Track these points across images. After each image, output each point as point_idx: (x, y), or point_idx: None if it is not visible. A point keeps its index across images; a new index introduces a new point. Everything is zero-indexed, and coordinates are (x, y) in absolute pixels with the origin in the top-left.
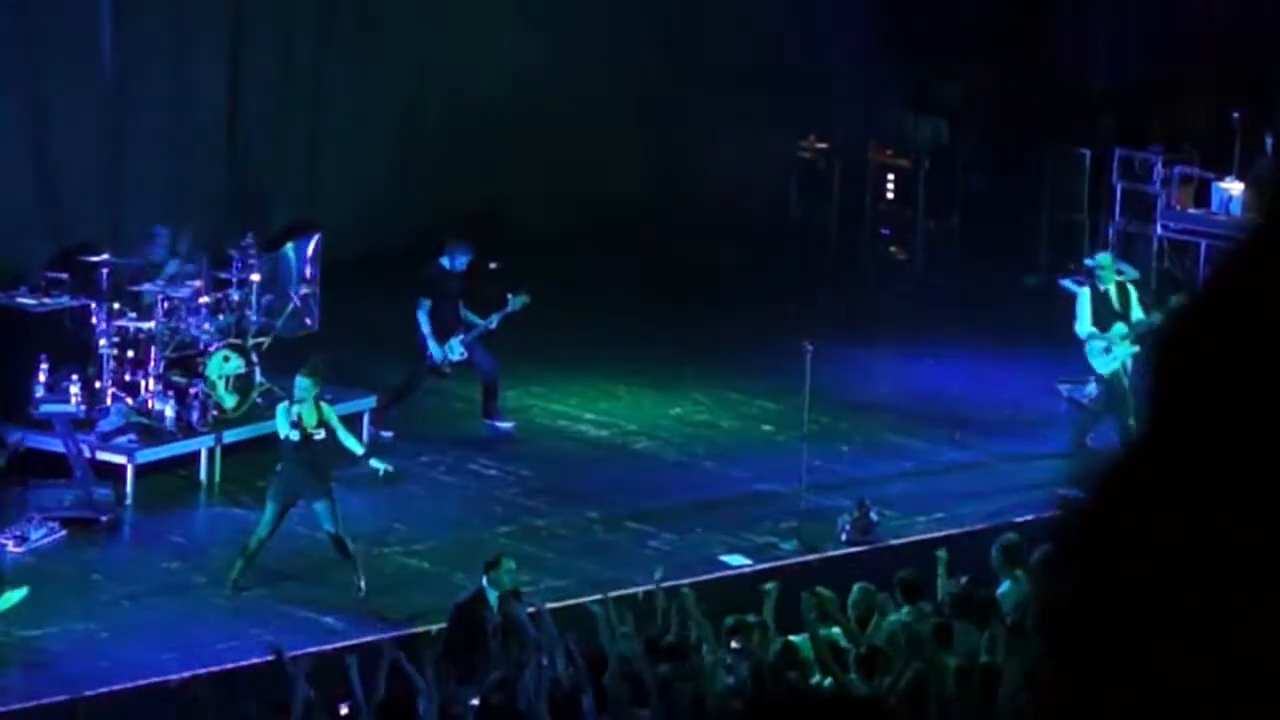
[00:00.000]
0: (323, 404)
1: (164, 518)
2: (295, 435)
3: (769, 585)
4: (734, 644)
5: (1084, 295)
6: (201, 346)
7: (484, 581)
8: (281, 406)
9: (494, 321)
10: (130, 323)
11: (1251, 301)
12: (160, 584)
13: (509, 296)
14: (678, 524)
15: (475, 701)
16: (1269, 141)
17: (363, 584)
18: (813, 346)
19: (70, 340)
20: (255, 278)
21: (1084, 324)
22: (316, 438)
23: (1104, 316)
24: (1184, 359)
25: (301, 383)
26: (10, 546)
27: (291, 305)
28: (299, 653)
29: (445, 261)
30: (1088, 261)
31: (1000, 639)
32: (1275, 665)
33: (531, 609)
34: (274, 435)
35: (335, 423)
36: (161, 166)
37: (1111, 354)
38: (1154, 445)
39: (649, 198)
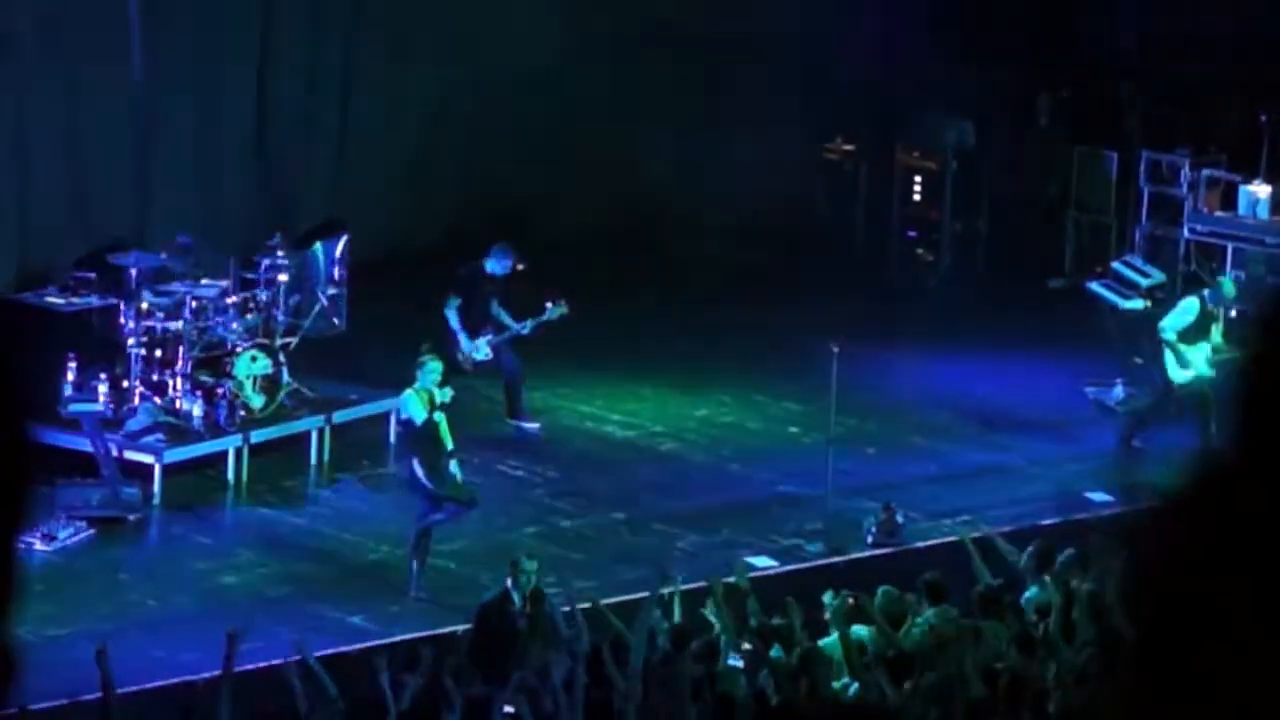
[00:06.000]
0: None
1: (191, 517)
2: (439, 416)
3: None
4: (745, 647)
5: (1192, 304)
6: (229, 346)
7: (508, 582)
8: (411, 393)
9: (528, 327)
10: (158, 322)
11: None
12: (187, 584)
13: (548, 305)
14: (704, 525)
15: (501, 701)
16: None
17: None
18: (839, 348)
19: (98, 339)
20: (283, 278)
21: (1173, 328)
22: (436, 418)
23: (1195, 331)
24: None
25: (436, 365)
26: (38, 545)
27: (319, 305)
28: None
29: (486, 263)
30: (1222, 278)
31: (1023, 641)
32: None
33: (565, 609)
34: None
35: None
36: (190, 167)
37: (1188, 369)
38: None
39: (675, 198)
